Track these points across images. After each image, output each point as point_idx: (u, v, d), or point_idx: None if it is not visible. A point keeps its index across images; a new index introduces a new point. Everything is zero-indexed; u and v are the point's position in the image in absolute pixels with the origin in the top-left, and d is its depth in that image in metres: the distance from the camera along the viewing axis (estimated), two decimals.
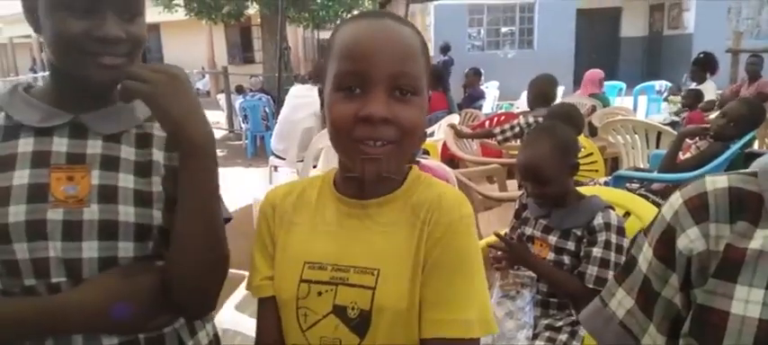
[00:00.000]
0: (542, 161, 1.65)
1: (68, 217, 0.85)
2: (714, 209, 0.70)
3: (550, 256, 1.65)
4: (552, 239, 1.66)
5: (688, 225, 0.72)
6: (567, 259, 1.62)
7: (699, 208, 0.72)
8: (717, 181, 0.72)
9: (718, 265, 0.69)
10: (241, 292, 1.78)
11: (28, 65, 20.30)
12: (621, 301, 0.80)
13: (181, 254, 0.87)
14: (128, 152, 0.93)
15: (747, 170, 0.72)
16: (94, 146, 0.90)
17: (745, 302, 0.66)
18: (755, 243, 0.67)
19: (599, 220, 1.57)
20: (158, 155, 0.95)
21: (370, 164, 0.77)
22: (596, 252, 1.54)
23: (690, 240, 0.71)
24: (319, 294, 0.82)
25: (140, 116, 0.96)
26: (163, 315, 0.91)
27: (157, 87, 0.82)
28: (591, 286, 1.52)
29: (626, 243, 1.58)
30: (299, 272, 0.84)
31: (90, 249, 0.85)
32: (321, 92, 0.84)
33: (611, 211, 1.61)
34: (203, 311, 0.99)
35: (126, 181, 0.90)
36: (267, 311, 0.88)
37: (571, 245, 1.62)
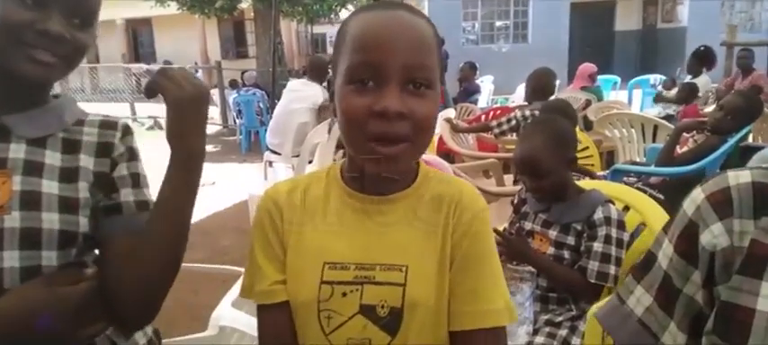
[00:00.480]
0: (539, 153, 1.64)
1: None
2: (738, 204, 0.69)
3: (550, 251, 1.63)
4: (552, 234, 1.64)
5: (711, 221, 0.70)
6: (566, 253, 1.61)
7: (722, 204, 0.70)
8: (740, 176, 0.71)
9: (743, 261, 0.67)
10: (238, 289, 1.75)
11: None
12: (640, 298, 0.79)
13: (157, 256, 0.86)
14: (53, 157, 0.89)
15: None
16: (17, 151, 0.86)
17: None
18: None
19: (599, 214, 1.56)
20: (87, 161, 0.92)
21: (385, 163, 0.75)
22: (597, 246, 1.53)
23: (713, 235, 0.70)
24: (344, 295, 0.80)
25: (68, 120, 0.93)
26: (94, 325, 0.87)
27: (182, 92, 0.84)
28: (593, 281, 1.51)
29: (626, 237, 1.57)
30: (318, 274, 0.81)
31: (11, 258, 0.82)
32: (330, 85, 0.81)
33: (612, 205, 1.60)
34: (148, 318, 0.95)
35: (50, 186, 0.86)
36: (275, 315, 0.83)
37: (571, 240, 1.61)
